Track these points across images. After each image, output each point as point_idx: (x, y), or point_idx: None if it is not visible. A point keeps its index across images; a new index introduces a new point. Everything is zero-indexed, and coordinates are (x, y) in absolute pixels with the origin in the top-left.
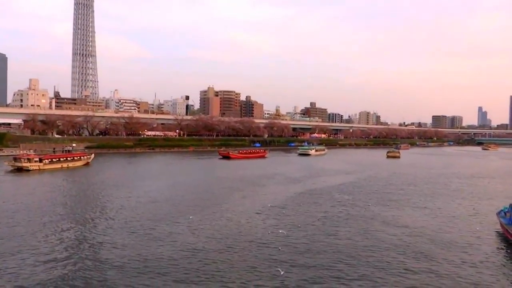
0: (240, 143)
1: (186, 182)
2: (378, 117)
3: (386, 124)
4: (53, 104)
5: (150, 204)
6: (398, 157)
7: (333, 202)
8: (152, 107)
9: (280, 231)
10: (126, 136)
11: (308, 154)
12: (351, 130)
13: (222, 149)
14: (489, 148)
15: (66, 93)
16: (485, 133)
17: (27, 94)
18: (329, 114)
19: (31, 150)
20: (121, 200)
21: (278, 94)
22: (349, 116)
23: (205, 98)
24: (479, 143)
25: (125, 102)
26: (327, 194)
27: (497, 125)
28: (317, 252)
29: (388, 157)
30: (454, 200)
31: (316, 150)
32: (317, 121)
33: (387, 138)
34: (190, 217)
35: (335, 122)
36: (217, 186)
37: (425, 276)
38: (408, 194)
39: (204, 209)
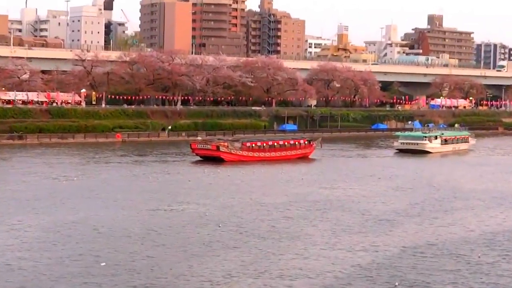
0: (247, 123)
1: (100, 231)
2: None
3: None
4: None
5: None
6: None
7: (477, 276)
8: (20, 31)
9: None
10: None
11: (423, 151)
12: None
13: (199, 138)
14: None
15: None
16: None
17: None
18: (478, 47)
19: None
20: None
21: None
22: None
23: (154, 6)
24: None
25: None
26: (462, 258)
27: None
28: None
29: None
30: None
31: (445, 141)
32: (447, 66)
33: None
34: None
35: (493, 67)
36: (183, 239)
37: None
38: None
39: None
